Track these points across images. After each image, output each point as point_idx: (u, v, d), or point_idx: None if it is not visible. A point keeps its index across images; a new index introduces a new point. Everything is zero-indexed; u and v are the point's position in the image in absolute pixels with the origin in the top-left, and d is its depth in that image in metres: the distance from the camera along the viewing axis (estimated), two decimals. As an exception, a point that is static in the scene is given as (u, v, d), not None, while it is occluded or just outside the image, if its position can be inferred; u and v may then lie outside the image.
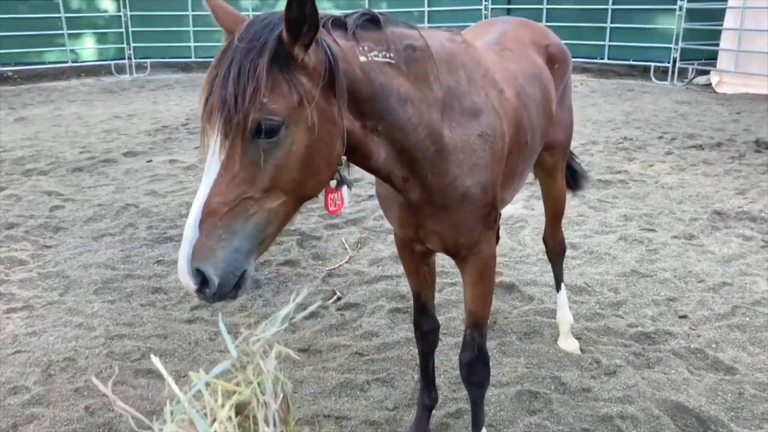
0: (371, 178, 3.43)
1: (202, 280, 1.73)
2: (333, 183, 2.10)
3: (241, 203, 1.76)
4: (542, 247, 4.16)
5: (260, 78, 1.72)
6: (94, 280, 4.80)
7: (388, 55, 2.06)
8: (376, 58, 2.02)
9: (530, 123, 2.76)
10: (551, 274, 4.16)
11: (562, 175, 3.72)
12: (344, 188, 2.10)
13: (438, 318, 3.05)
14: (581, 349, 3.81)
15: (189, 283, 1.73)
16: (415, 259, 2.82)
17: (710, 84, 13.88)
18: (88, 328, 4.12)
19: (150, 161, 8.13)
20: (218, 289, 1.75)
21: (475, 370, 2.70)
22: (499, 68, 2.65)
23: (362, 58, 1.98)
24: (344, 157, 2.03)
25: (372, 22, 2.09)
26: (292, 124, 1.78)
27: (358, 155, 2.08)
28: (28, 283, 4.76)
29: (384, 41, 2.07)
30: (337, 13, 2.08)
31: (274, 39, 1.76)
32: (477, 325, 2.65)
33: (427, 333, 2.97)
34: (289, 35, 1.76)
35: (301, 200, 1.93)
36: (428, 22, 16.60)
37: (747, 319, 4.11)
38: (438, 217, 2.38)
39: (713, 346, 3.82)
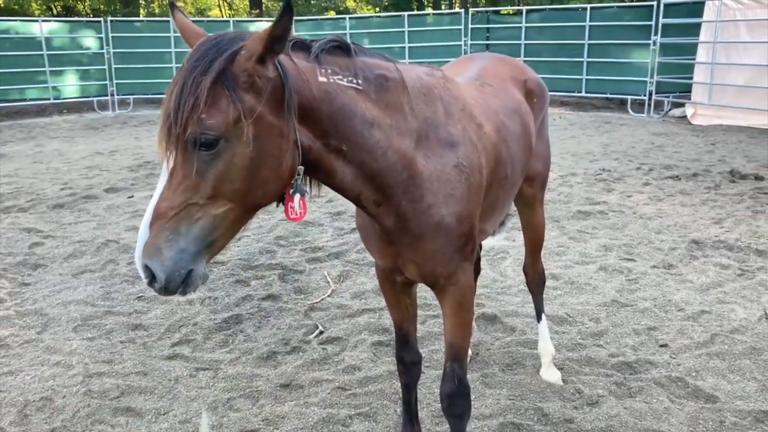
0: (353, 210, 3.43)
1: (152, 275, 1.89)
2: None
3: (186, 208, 1.89)
4: (523, 278, 4.19)
5: (200, 94, 1.83)
6: (74, 317, 4.74)
7: (354, 81, 2.13)
8: (339, 81, 2.09)
9: (510, 157, 2.81)
10: (533, 305, 4.18)
11: (541, 206, 3.78)
12: (297, 196, 2.15)
13: (421, 350, 3.05)
14: (563, 380, 3.81)
15: (141, 275, 1.91)
16: (396, 290, 2.84)
17: (685, 116, 14.20)
18: (66, 367, 4.05)
19: (131, 197, 8.11)
20: (165, 284, 1.89)
21: (456, 402, 2.70)
22: (479, 103, 2.71)
23: (322, 79, 2.05)
24: (301, 168, 2.07)
25: (341, 49, 2.16)
26: (232, 137, 1.88)
27: (320, 172, 2.15)
28: (5, 321, 4.68)
29: (351, 68, 2.14)
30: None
31: (225, 58, 1.85)
32: (457, 356, 2.66)
33: (409, 365, 2.97)
34: (262, 51, 1.86)
35: (250, 208, 2.04)
36: (409, 58, 16.88)
37: (726, 346, 4.14)
38: (414, 246, 2.41)
39: (693, 374, 3.85)
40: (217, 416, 3.53)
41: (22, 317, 4.75)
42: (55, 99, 16.16)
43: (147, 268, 1.88)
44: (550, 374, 3.84)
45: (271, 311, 4.86)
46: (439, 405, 3.50)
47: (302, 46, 2.09)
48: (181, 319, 4.70)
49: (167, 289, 1.90)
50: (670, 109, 14.90)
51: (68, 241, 6.43)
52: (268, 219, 7.04)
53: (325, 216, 7.24)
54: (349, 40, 2.21)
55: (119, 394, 3.76)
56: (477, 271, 4.26)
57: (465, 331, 2.65)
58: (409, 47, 17.44)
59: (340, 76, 2.10)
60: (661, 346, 4.20)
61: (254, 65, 1.87)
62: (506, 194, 2.92)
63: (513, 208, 3.72)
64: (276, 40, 1.84)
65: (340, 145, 2.10)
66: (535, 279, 3.96)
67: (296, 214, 2.13)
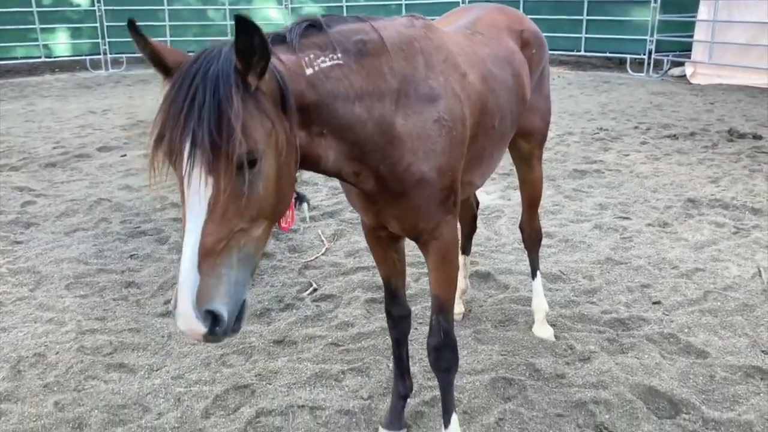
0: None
1: (213, 321, 1.72)
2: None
3: (234, 237, 1.77)
4: (518, 236, 4.18)
5: (238, 110, 1.71)
6: (66, 275, 4.73)
7: (335, 57, 2.06)
8: (323, 65, 2.03)
9: (498, 106, 2.75)
10: (526, 263, 4.17)
11: (539, 162, 3.72)
12: (304, 204, 2.12)
13: (414, 307, 3.06)
14: (556, 336, 3.82)
15: (198, 328, 1.71)
16: (383, 245, 2.81)
17: (685, 75, 14.04)
18: (58, 324, 4.05)
19: (124, 156, 8.03)
20: (230, 325, 1.76)
21: (443, 355, 2.68)
22: (464, 51, 2.63)
23: (308, 71, 1.99)
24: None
25: (314, 27, 2.09)
26: (268, 150, 1.80)
27: (307, 162, 2.08)
28: (-2, 279, 4.67)
29: (329, 44, 2.07)
30: (315, 10, 2.07)
31: (233, 71, 1.74)
32: (442, 309, 2.64)
33: (398, 319, 2.96)
34: (242, 65, 1.75)
35: (275, 223, 1.98)
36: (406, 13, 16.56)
37: (718, 303, 4.15)
38: (395, 202, 2.38)
39: (685, 330, 3.86)
40: (210, 372, 3.54)
41: (15, 275, 4.74)
42: (46, 57, 15.90)
43: (208, 315, 1.71)
44: (543, 331, 3.85)
45: (265, 269, 4.84)
46: (432, 360, 3.52)
47: (280, 38, 2.02)
48: (174, 276, 4.69)
49: (230, 330, 1.77)
50: (669, 69, 14.72)
51: (61, 200, 6.38)
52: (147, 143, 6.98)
53: (319, 175, 7.18)
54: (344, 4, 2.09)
55: (112, 350, 3.76)
56: (473, 229, 4.24)
57: (449, 284, 2.63)
58: (406, 4, 17.13)
59: (322, 58, 2.03)
60: (654, 303, 4.20)
61: (255, 77, 1.78)
62: (494, 145, 2.86)
63: (511, 167, 3.67)
64: (245, 53, 1.71)
65: (321, 130, 2.06)
66: (532, 236, 3.94)
67: (287, 223, 2.09)
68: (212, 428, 3.07)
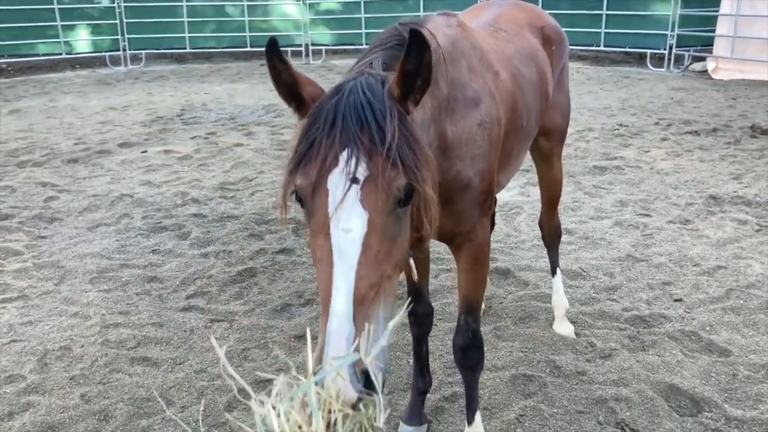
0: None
1: (365, 384, 1.44)
2: None
3: (383, 284, 1.59)
4: (537, 233, 4.16)
5: (396, 137, 1.57)
6: (90, 269, 4.79)
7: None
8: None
9: (525, 105, 2.73)
10: (546, 260, 4.16)
11: (559, 159, 3.70)
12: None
13: (433, 303, 3.05)
14: (576, 333, 3.81)
15: (352, 393, 1.39)
16: (410, 246, 2.81)
17: (706, 70, 13.86)
18: (83, 317, 4.11)
19: (145, 152, 8.11)
20: (382, 381, 1.49)
21: (469, 354, 2.68)
22: (494, 50, 2.61)
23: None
24: None
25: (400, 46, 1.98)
26: (425, 186, 1.65)
27: None
28: (23, 273, 4.75)
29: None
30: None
31: (388, 97, 1.63)
32: (471, 310, 2.63)
33: (421, 317, 2.97)
34: (401, 90, 1.64)
35: (401, 272, 1.76)
36: (423, 10, 16.53)
37: (741, 301, 4.11)
38: (441, 210, 2.24)
39: (707, 328, 3.83)
40: (232, 366, 3.56)
41: (40, 269, 4.81)
42: (67, 54, 16.05)
43: (362, 377, 1.43)
44: (563, 328, 3.84)
45: (284, 264, 4.88)
46: (451, 357, 3.52)
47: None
48: (195, 272, 4.74)
49: (383, 384, 1.49)
50: (690, 63, 14.55)
51: (83, 195, 6.46)
52: (281, 174, 7.02)
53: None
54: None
55: (135, 344, 3.81)
56: (491, 225, 4.23)
57: (480, 286, 2.63)
58: (424, 1, 17.08)
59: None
60: (676, 300, 4.17)
61: (412, 104, 1.72)
62: (521, 145, 2.85)
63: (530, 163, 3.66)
64: (409, 76, 1.62)
65: None
66: (551, 233, 3.93)
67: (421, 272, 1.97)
68: (235, 421, 3.11)
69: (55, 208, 6.12)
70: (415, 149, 1.63)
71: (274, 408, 1.33)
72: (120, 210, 6.06)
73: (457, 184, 2.27)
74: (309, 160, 1.62)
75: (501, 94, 2.47)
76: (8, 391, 3.37)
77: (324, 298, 1.56)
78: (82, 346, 3.79)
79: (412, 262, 2.20)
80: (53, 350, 3.74)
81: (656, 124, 9.13)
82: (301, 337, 3.87)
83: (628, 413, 3.10)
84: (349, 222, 1.56)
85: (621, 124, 9.08)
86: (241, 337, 3.86)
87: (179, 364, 3.61)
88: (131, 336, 3.89)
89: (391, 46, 2.00)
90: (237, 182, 6.84)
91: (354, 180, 1.56)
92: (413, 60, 1.60)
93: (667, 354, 3.58)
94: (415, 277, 2.76)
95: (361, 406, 1.39)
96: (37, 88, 13.27)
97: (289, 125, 8.97)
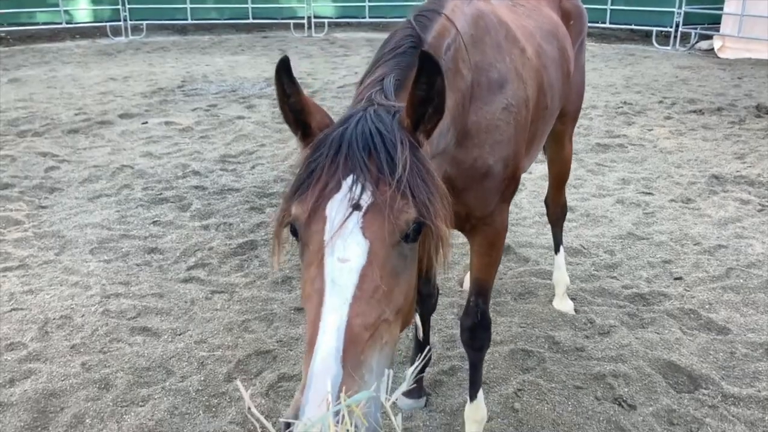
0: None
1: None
2: None
3: (380, 327, 1.40)
4: (539, 210, 4.15)
5: (424, 172, 1.48)
6: (90, 240, 4.79)
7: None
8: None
9: (549, 84, 2.63)
10: (547, 237, 4.16)
11: (570, 142, 3.63)
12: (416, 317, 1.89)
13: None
14: (576, 310, 3.82)
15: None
16: None
17: (713, 49, 13.73)
18: (84, 287, 4.12)
19: (146, 123, 8.06)
20: None
21: (477, 335, 2.64)
22: (516, 25, 2.50)
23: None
24: None
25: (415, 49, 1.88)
26: (438, 222, 1.51)
27: None
28: (24, 242, 4.75)
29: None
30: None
31: (398, 128, 1.52)
32: (482, 292, 2.58)
33: (426, 297, 2.94)
34: (411, 119, 1.54)
35: (405, 326, 1.59)
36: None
37: (741, 280, 4.12)
38: (456, 195, 2.14)
39: (707, 307, 3.84)
40: (233, 337, 3.59)
41: (40, 239, 4.81)
42: (67, 23, 15.90)
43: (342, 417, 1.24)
44: (563, 304, 3.85)
45: (285, 238, 4.86)
46: (450, 331, 3.55)
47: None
48: (196, 243, 4.74)
49: None
50: (696, 42, 14.40)
51: (83, 166, 6.44)
52: (283, 147, 6.99)
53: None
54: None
55: (136, 314, 3.83)
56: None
57: (493, 269, 2.56)
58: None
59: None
60: (676, 278, 4.18)
61: (423, 135, 1.60)
62: (545, 126, 2.75)
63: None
64: (421, 104, 1.53)
65: None
66: (557, 211, 3.90)
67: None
68: (235, 392, 3.13)
69: (55, 178, 6.11)
70: (428, 182, 1.50)
71: None
72: (120, 181, 6.04)
73: (475, 172, 2.16)
74: (307, 187, 1.49)
75: (528, 73, 2.35)
76: (9, 358, 3.39)
77: (310, 336, 1.36)
78: (83, 315, 3.80)
79: (418, 320, 2.10)
80: (54, 319, 3.75)
81: (660, 102, 9.06)
82: (302, 310, 3.88)
83: (625, 389, 3.12)
84: (346, 251, 1.40)
85: (625, 102, 9.02)
86: (242, 309, 3.87)
87: (179, 335, 3.63)
88: (132, 306, 3.90)
89: (403, 51, 1.87)
90: (238, 155, 6.81)
91: (356, 206, 1.42)
92: (424, 85, 1.49)
93: (666, 331, 3.59)
94: (421, 336, 2.67)
95: None
96: (37, 57, 13.16)
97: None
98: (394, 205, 1.42)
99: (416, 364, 1.43)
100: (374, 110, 1.56)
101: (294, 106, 1.60)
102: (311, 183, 1.48)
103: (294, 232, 1.55)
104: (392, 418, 1.26)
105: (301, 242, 1.52)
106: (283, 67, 1.54)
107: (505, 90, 2.19)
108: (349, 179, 1.44)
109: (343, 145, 1.48)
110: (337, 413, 1.22)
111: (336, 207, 1.43)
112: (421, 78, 1.48)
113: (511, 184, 2.35)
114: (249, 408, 1.22)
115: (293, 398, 1.30)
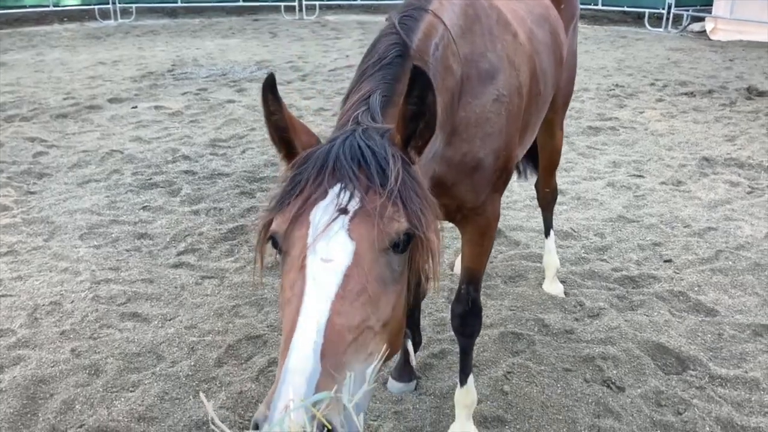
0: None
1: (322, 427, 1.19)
2: None
3: (364, 333, 1.34)
4: (529, 193, 4.15)
5: (416, 185, 1.46)
6: (79, 225, 4.77)
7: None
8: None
9: (542, 69, 2.59)
10: (538, 220, 4.16)
11: (561, 130, 3.61)
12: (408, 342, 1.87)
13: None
14: (565, 293, 3.84)
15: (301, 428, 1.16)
16: None
17: (705, 31, 13.69)
18: (73, 273, 4.10)
19: (135, 107, 8.00)
20: None
21: (468, 321, 2.64)
22: (507, 9, 2.46)
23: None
24: None
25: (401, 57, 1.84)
26: (430, 237, 1.49)
27: None
28: (13, 228, 4.72)
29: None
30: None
31: (389, 144, 1.50)
32: (473, 279, 2.56)
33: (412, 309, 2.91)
34: (402, 136, 1.52)
35: (393, 353, 1.51)
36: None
37: (730, 263, 4.14)
38: (445, 191, 2.16)
39: (696, 289, 3.86)
40: (223, 322, 3.59)
41: (29, 225, 4.78)
42: (54, 6, 15.69)
43: (321, 430, 1.18)
44: (553, 287, 3.86)
45: (269, 253, 4.84)
46: (440, 315, 3.56)
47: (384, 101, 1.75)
48: (186, 228, 4.72)
49: None
50: (688, 24, 14.36)
51: (72, 151, 6.39)
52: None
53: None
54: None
55: (126, 300, 3.82)
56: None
57: (484, 257, 2.54)
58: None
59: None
60: (665, 261, 4.20)
61: (414, 152, 1.59)
62: (538, 113, 2.72)
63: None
64: (412, 119, 1.51)
65: None
66: (547, 196, 3.88)
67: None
68: (225, 377, 3.13)
69: (44, 163, 6.06)
70: (419, 194, 1.48)
71: None
72: (110, 166, 6.00)
73: (465, 166, 2.13)
74: (290, 198, 1.45)
75: (521, 58, 2.31)
76: (-2, 345, 3.38)
77: (287, 333, 1.28)
78: (72, 301, 3.79)
79: (410, 346, 2.04)
80: (43, 305, 3.74)
81: (652, 84, 9.05)
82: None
83: (614, 371, 3.14)
84: (330, 251, 1.34)
85: (617, 85, 9.00)
86: (232, 294, 3.87)
87: (169, 320, 3.62)
88: (121, 292, 3.89)
89: (389, 62, 1.82)
90: (228, 139, 6.77)
91: (343, 211, 1.38)
92: (415, 99, 1.47)
93: (655, 314, 3.61)
94: (413, 363, 2.64)
95: None
96: (24, 41, 12.99)
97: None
98: (384, 212, 1.38)
99: (375, 363, 1.36)
100: (363, 129, 1.53)
101: (278, 123, 1.57)
102: (294, 194, 1.45)
103: (275, 245, 1.50)
104: (354, 418, 1.22)
105: (282, 252, 1.46)
106: (269, 85, 1.52)
107: (496, 80, 2.15)
108: (337, 187, 1.41)
109: (330, 158, 1.44)
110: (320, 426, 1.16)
111: (320, 213, 1.39)
112: (413, 92, 1.46)
113: (503, 175, 2.33)
114: (212, 419, 1.17)
115: (266, 396, 1.25)
